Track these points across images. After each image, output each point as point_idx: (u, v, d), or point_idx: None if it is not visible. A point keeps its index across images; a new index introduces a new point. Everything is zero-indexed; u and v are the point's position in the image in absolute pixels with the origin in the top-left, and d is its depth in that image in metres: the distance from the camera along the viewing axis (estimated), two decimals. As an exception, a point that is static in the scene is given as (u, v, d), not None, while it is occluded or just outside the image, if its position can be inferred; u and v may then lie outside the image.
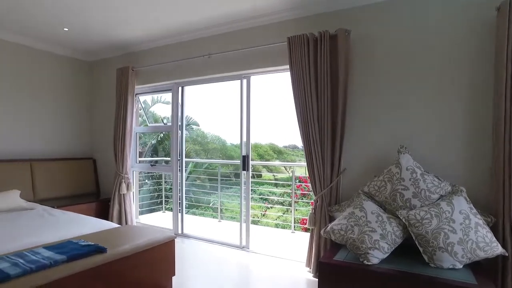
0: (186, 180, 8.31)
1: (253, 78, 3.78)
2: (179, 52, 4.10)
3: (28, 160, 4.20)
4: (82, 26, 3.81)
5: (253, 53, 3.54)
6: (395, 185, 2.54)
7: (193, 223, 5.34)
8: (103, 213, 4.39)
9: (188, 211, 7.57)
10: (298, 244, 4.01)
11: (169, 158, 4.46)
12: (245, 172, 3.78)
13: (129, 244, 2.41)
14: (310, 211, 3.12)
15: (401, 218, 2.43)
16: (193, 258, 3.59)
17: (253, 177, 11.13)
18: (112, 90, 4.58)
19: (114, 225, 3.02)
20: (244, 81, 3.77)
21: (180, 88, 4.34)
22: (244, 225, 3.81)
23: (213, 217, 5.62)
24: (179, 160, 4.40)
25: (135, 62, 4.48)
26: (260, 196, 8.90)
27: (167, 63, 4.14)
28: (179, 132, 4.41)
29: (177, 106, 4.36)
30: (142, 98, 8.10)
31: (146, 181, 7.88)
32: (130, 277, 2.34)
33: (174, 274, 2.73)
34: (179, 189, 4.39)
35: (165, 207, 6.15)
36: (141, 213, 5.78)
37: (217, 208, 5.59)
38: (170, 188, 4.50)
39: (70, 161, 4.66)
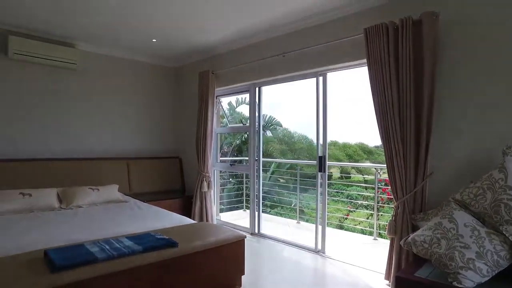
0: (268, 180, 8.42)
1: (333, 75, 3.61)
2: (254, 53, 4.14)
3: (125, 158, 4.76)
4: (167, 37, 4.14)
5: (328, 49, 3.36)
6: (498, 193, 2.10)
7: (271, 223, 5.36)
8: (187, 209, 4.71)
9: (270, 211, 7.64)
10: (380, 253, 3.66)
11: (247, 158, 4.54)
12: (321, 173, 3.61)
13: (200, 240, 2.50)
14: (390, 218, 2.81)
15: (507, 235, 2.00)
16: (265, 259, 3.57)
17: (341, 178, 10.70)
18: (195, 93, 4.89)
19: (191, 221, 3.19)
20: (320, 78, 3.60)
21: (256, 89, 4.38)
22: (320, 228, 3.64)
23: (295, 218, 5.51)
24: (256, 160, 4.44)
25: (215, 65, 4.69)
26: (348, 199, 8.50)
27: (243, 65, 4.22)
28: (257, 132, 4.44)
29: (254, 106, 4.41)
30: (227, 99, 8.46)
31: (230, 179, 8.22)
32: (199, 272, 2.42)
33: (243, 273, 2.75)
34: (256, 188, 4.44)
35: (246, 206, 6.31)
36: (224, 210, 6.05)
37: (300, 209, 5.49)
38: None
39: (159, 160, 5.12)
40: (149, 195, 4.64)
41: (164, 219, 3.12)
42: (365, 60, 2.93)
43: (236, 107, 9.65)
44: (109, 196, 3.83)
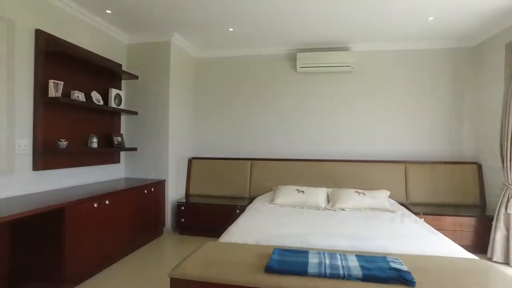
0: None
1: None
2: None
3: (403, 162, 4.19)
4: (446, 9, 3.22)
5: None
6: None
7: None
8: (482, 234, 3.45)
9: None
10: None
11: None
12: None
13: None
14: None
15: None
16: None
17: None
18: (501, 75, 3.51)
19: (466, 255, 2.22)
20: None
21: None
22: None
23: None
24: None
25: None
26: None
27: None
28: None
29: None
30: None
31: None
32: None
33: None
34: None
35: None
36: None
37: None
38: None
39: (448, 165, 4.09)
40: (429, 208, 3.80)
41: (424, 242, 2.39)
42: None
43: None
44: (374, 203, 3.49)
